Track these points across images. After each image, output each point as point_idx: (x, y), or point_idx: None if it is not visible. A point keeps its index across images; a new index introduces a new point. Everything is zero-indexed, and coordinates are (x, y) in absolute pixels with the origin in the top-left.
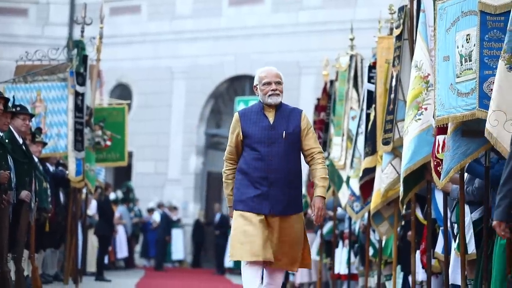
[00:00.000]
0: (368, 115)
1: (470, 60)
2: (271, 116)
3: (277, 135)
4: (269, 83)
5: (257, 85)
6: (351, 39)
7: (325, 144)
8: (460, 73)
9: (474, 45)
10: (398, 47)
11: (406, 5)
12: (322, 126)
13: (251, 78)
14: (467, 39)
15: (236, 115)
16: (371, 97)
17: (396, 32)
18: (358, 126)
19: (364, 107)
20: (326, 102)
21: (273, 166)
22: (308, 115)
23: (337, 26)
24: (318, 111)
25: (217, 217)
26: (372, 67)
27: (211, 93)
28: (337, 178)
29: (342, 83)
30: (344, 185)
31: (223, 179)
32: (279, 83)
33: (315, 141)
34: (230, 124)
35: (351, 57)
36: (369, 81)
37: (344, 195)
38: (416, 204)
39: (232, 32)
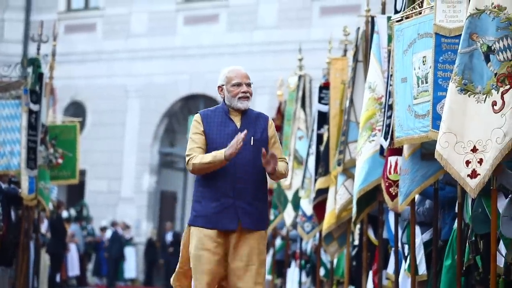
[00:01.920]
0: (319, 136)
1: (427, 82)
2: (237, 121)
3: (244, 141)
4: (239, 84)
5: (223, 85)
6: (300, 59)
7: None
8: (417, 95)
9: (430, 67)
10: (353, 69)
11: (359, 27)
12: None
13: (205, 97)
14: (423, 61)
15: (197, 116)
16: (322, 118)
17: (352, 53)
18: (309, 146)
19: (315, 127)
20: (280, 122)
21: (239, 174)
22: None
23: (291, 46)
24: None
25: (169, 235)
26: (323, 87)
27: (165, 112)
28: (283, 198)
29: (290, 103)
30: (289, 205)
31: (198, 163)
32: (249, 84)
33: (281, 152)
34: (184, 144)
35: (300, 77)
36: (319, 102)
37: (289, 215)
38: (369, 225)
39: (187, 51)
